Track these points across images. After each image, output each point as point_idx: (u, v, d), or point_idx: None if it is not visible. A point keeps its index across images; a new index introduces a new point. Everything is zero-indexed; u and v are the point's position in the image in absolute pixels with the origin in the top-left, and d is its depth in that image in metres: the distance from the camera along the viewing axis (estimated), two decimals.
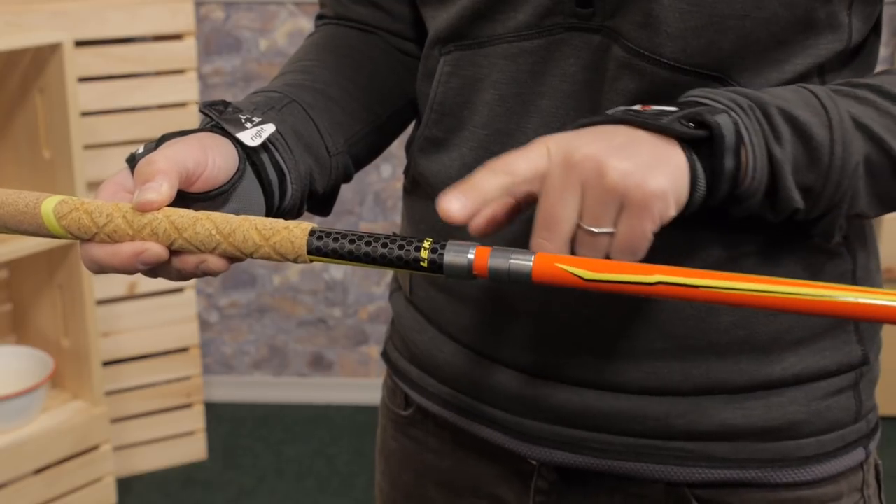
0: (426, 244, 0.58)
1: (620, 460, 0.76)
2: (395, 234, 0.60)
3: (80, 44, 2.08)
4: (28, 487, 2.05)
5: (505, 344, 0.77)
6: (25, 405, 2.03)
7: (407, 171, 0.84)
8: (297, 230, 0.60)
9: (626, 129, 0.61)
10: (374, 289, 2.79)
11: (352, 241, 0.59)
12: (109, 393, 2.34)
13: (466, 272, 0.58)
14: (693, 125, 0.61)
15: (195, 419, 2.51)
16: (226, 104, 0.69)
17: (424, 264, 0.58)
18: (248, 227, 0.60)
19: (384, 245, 0.59)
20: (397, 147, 2.72)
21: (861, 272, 0.76)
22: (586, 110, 0.70)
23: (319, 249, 0.59)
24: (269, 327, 2.82)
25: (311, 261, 0.60)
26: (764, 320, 0.73)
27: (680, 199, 0.60)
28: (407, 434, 0.89)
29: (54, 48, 1.91)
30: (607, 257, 0.59)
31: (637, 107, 0.64)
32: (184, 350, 2.44)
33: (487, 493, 0.84)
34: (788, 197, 0.64)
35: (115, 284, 2.33)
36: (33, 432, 2.04)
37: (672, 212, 0.59)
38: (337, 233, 0.60)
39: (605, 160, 0.58)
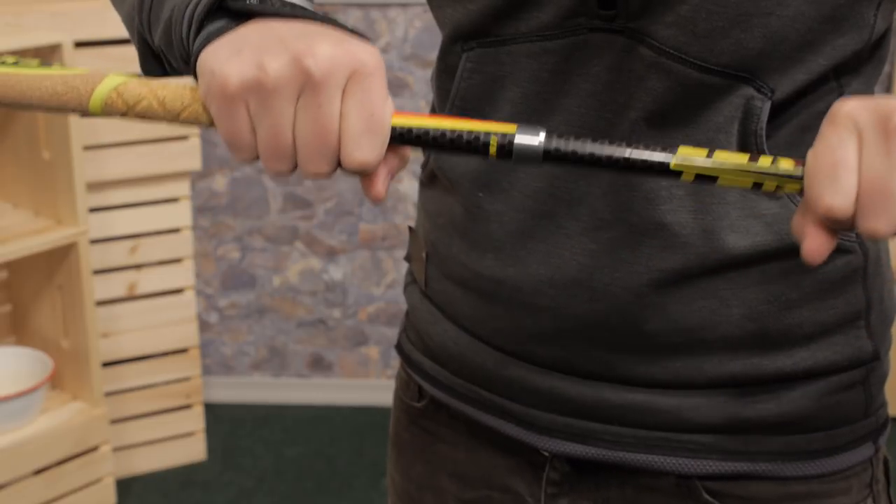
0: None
1: (632, 452, 0.76)
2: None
3: (80, 44, 2.08)
4: (28, 488, 2.04)
5: (519, 337, 0.77)
6: (25, 406, 2.02)
7: (424, 166, 0.84)
8: None
9: None
10: (373, 290, 2.79)
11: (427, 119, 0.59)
12: (109, 394, 2.34)
13: (539, 154, 0.58)
14: None
15: (195, 420, 2.51)
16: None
17: (493, 145, 0.58)
18: None
19: (459, 124, 0.59)
20: None
21: (872, 268, 0.76)
22: (610, 110, 0.70)
23: (399, 134, 0.59)
24: (268, 328, 2.82)
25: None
26: (775, 315, 0.73)
27: None
28: (420, 425, 0.89)
29: (54, 48, 1.91)
30: None
31: None
32: (183, 351, 2.44)
33: (500, 485, 0.84)
34: None
35: (115, 285, 2.33)
36: (33, 433, 2.04)
37: None
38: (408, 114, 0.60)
39: None
